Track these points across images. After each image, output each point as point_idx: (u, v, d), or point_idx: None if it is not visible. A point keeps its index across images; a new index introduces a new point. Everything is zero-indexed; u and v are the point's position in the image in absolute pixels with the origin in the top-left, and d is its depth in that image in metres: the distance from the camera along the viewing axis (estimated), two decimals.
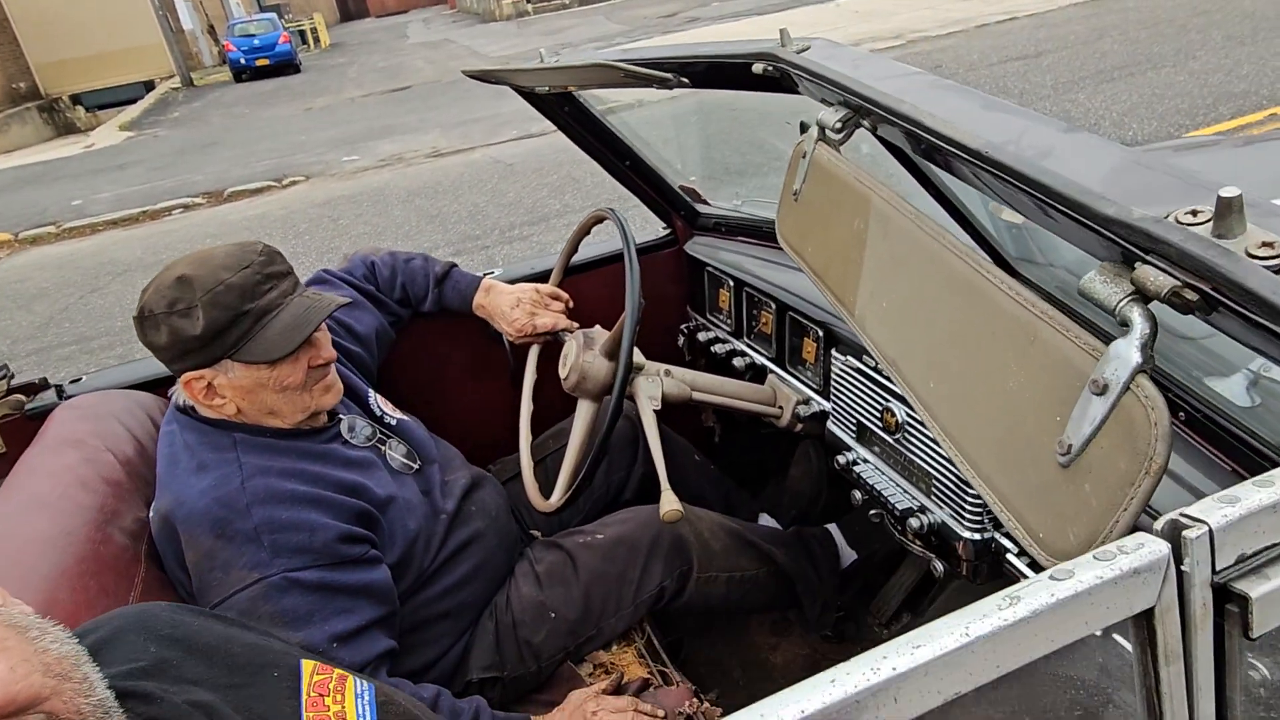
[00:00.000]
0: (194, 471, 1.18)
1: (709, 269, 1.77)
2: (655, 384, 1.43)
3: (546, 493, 1.50)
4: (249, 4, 31.12)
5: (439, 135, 10.96)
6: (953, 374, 0.53)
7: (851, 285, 0.67)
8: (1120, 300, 0.48)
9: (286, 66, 21.41)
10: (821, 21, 12.83)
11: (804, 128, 1.05)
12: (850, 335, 1.32)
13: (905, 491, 1.23)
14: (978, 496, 1.08)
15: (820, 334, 1.43)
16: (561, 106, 1.59)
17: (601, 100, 1.66)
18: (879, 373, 1.24)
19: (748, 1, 16.84)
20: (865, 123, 0.71)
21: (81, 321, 5.82)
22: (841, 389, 1.34)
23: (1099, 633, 0.47)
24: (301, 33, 27.86)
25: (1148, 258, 0.46)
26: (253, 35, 21.55)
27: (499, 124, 10.96)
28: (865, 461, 1.31)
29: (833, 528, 1.80)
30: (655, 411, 1.39)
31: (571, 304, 1.69)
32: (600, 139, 1.67)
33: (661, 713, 1.28)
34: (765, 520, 1.88)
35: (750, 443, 2.19)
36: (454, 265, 1.69)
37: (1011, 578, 1.06)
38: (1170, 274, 0.45)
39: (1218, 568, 0.44)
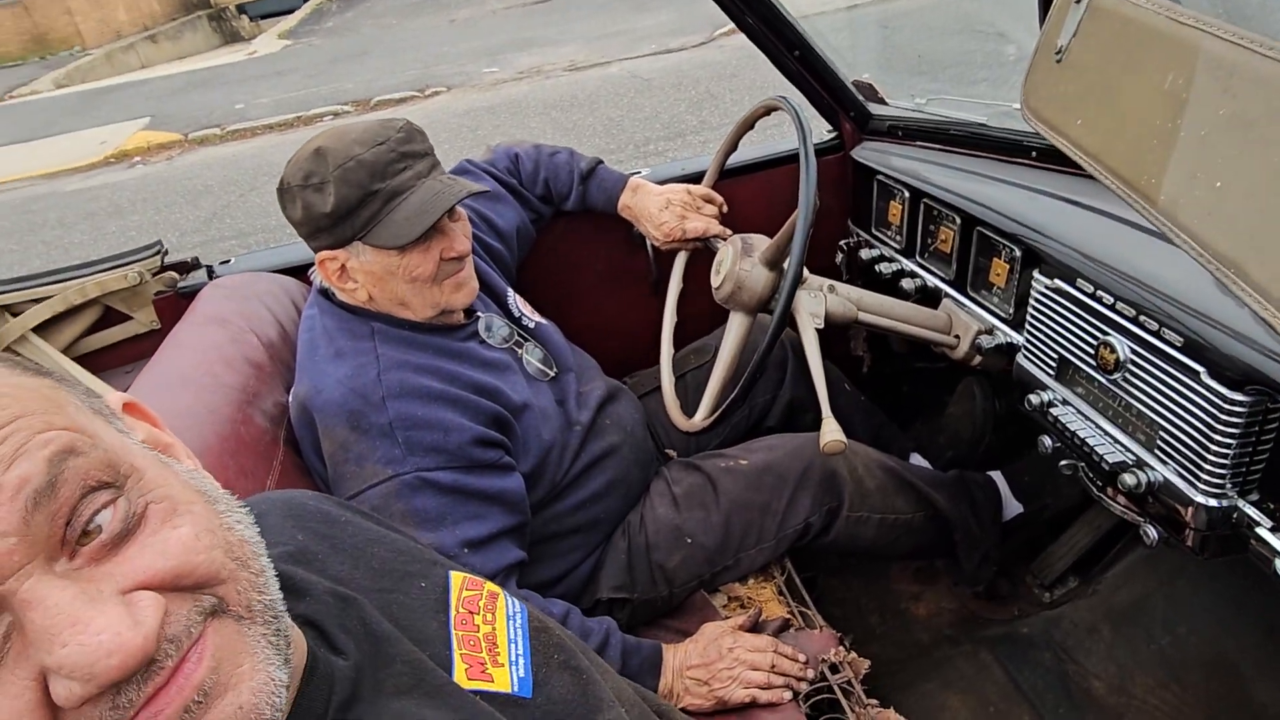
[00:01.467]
0: (331, 359, 1.13)
1: (880, 177, 1.57)
2: (819, 300, 1.28)
3: (687, 411, 1.39)
4: None
5: (577, 49, 10.78)
6: None
7: (1155, 163, 0.50)
8: None
9: None
10: None
11: None
12: (1061, 251, 1.12)
13: (1117, 442, 1.04)
14: (1224, 451, 0.89)
15: (1016, 253, 1.22)
16: None
17: None
18: (1098, 300, 1.04)
19: None
20: None
21: (241, 218, 6.14)
22: (1042, 318, 1.14)
23: None
24: None
25: None
26: None
27: (637, 39, 10.65)
28: (1065, 404, 1.12)
29: (997, 475, 1.62)
30: (817, 330, 1.25)
31: (725, 208, 1.54)
32: (768, 24, 1.48)
33: (803, 657, 1.18)
34: (916, 460, 1.71)
35: (902, 377, 2.01)
36: (600, 161, 1.57)
37: (1260, 559, 0.87)
38: None
39: None
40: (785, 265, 1.28)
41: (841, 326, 1.32)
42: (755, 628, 1.24)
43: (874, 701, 1.16)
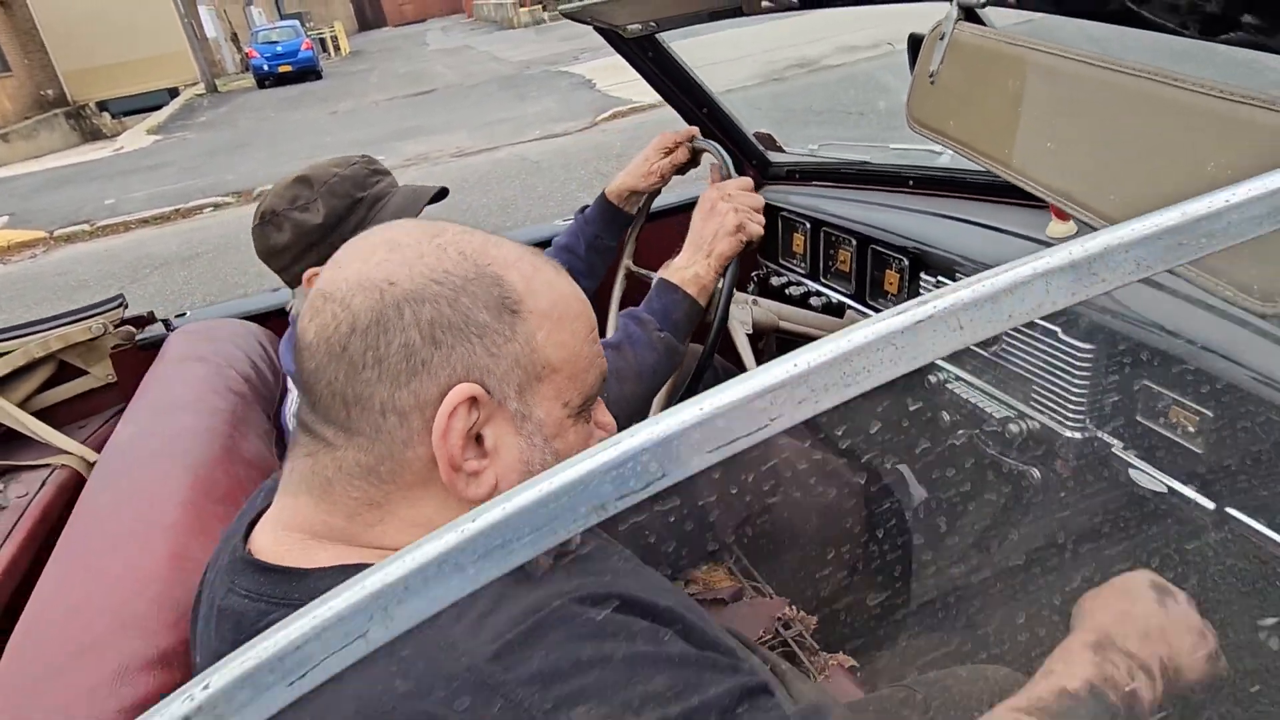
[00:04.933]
0: None
1: (783, 214, 1.82)
2: (746, 310, 1.48)
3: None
4: (270, 12, 31.56)
5: (464, 136, 11.09)
6: (1139, 179, 0.58)
7: (1007, 141, 0.72)
8: None
9: (309, 73, 21.70)
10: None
11: (913, 39, 1.10)
12: (940, 255, 1.37)
13: (1001, 402, 1.27)
14: (1082, 392, 1.13)
15: (905, 262, 1.47)
16: (645, 52, 1.65)
17: None
18: None
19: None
20: None
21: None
22: None
23: None
24: (322, 40, 28.22)
25: None
26: (276, 42, 21.85)
27: (523, 125, 11.08)
28: (958, 379, 1.36)
29: (903, 468, 1.84)
30: (748, 336, 1.44)
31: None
32: (680, 85, 1.72)
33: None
34: None
35: None
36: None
37: (1119, 478, 1.10)
38: None
39: None
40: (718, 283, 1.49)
41: (766, 332, 1.53)
42: (713, 602, 1.38)
43: (825, 652, 1.31)
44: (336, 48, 29.45)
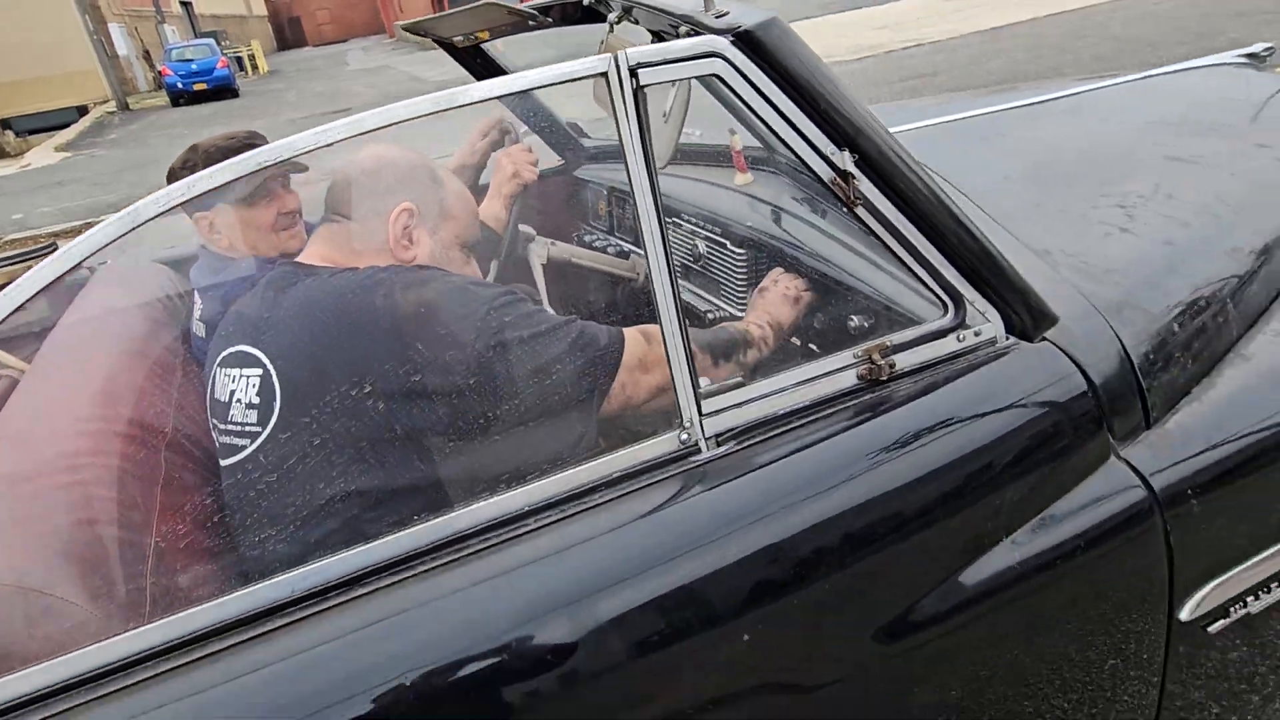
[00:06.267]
0: (222, 270, 1.68)
1: (590, 186, 2.35)
2: (544, 248, 1.99)
3: None
4: (185, 31, 31.10)
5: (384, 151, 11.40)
6: None
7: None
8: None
9: (225, 91, 21.57)
10: None
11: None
12: (679, 205, 1.91)
13: (707, 299, 1.81)
14: (744, 284, 1.67)
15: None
16: (474, 59, 2.15)
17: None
18: (690, 222, 1.83)
19: None
20: (623, 15, 1.30)
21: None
22: (673, 244, 1.92)
23: None
24: (239, 59, 27.96)
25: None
26: (190, 60, 21.66)
27: (439, 141, 11.47)
28: (689, 291, 1.89)
29: None
30: (541, 266, 1.96)
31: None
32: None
33: None
34: None
35: None
36: None
37: None
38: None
39: None
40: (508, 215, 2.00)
41: (560, 265, 2.04)
42: None
43: None
44: (254, 67, 29.23)
